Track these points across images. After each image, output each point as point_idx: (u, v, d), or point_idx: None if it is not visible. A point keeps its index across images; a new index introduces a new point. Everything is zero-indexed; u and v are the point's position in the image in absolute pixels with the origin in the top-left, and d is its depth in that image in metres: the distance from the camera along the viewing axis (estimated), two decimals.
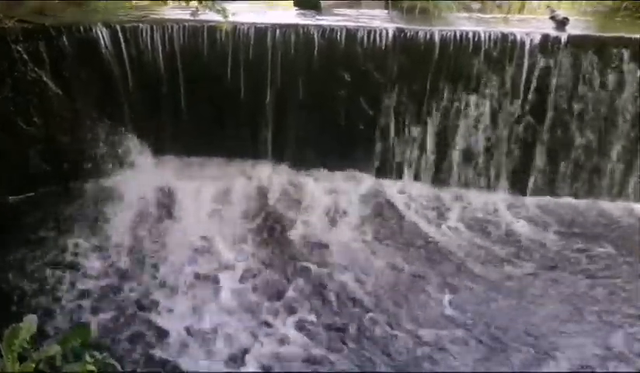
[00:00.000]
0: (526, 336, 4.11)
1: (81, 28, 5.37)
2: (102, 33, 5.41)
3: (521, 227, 5.50)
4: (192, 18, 5.68)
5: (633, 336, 4.14)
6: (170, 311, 4.22)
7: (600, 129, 5.77)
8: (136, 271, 4.62)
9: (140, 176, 5.77)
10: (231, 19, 5.36)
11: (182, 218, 5.34)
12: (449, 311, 4.35)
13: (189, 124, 5.89)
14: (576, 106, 5.70)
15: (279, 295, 4.44)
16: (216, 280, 4.58)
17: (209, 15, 5.53)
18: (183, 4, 6.13)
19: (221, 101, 5.83)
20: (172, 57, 5.63)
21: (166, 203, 5.52)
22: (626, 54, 5.54)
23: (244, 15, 5.84)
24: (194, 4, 5.81)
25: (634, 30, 5.80)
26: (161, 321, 4.11)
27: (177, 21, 5.65)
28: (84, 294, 4.32)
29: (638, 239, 5.31)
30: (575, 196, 5.97)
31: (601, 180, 5.93)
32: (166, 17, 5.91)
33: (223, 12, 5.29)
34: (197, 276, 4.62)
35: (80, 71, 5.43)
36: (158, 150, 5.93)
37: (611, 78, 5.60)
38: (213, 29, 5.55)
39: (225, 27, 5.42)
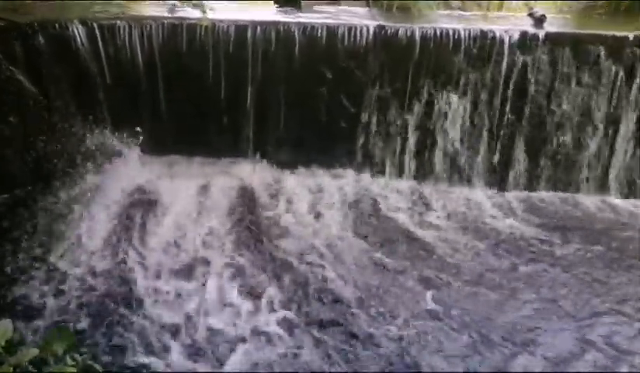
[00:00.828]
0: (507, 330, 4.16)
1: (57, 25, 5.27)
2: (78, 30, 5.31)
3: (501, 221, 5.56)
4: (170, 15, 5.63)
5: (610, 328, 4.22)
6: (152, 311, 4.16)
7: (578, 124, 5.87)
8: (116, 271, 4.55)
9: (118, 175, 5.68)
10: (209, 15, 5.31)
11: (163, 217, 5.28)
12: (431, 305, 4.38)
13: (169, 123, 5.82)
14: (554, 102, 5.79)
15: (260, 292, 4.41)
16: (197, 278, 4.54)
17: (187, 13, 5.47)
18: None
19: (201, 99, 5.78)
20: (151, 54, 5.55)
21: (146, 202, 5.45)
22: (602, 50, 5.64)
23: (223, 12, 5.79)
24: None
25: (610, 27, 5.91)
26: (143, 321, 4.06)
27: (155, 18, 5.58)
28: (62, 296, 4.24)
29: (615, 234, 5.42)
30: (554, 190, 6.07)
31: (579, 175, 6.04)
32: (144, 14, 5.83)
33: (201, 7, 5.24)
34: (179, 274, 4.57)
35: (56, 69, 5.32)
36: (138, 149, 5.85)
37: (588, 74, 5.71)
38: (192, 26, 5.49)
39: (205, 23, 5.36)
